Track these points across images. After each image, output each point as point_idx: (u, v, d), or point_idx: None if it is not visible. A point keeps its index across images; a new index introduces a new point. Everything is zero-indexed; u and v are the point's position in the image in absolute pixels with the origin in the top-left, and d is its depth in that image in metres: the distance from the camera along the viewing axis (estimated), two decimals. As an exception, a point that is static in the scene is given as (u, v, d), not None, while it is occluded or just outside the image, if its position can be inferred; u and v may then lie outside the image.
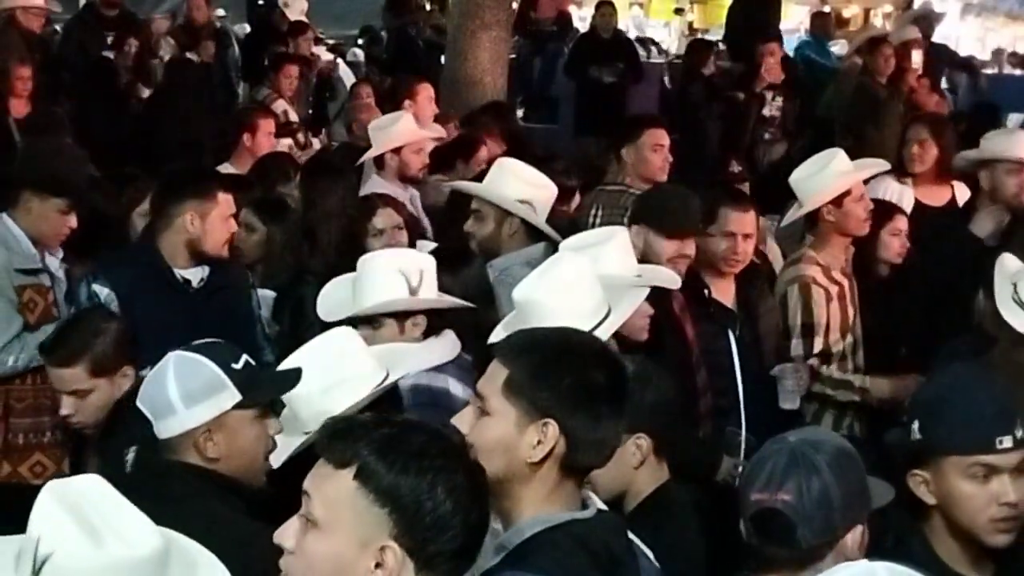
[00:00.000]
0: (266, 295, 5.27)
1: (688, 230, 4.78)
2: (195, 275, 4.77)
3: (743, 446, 4.72)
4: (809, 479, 2.66)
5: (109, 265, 4.88)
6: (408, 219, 5.49)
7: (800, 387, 5.11)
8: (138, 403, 3.25)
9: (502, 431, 2.47)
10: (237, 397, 3.19)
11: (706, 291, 4.99)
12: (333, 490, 2.17)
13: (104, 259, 5.04)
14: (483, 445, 2.44)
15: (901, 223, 5.80)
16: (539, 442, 2.44)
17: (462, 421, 2.50)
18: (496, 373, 2.51)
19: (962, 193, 6.72)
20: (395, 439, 2.19)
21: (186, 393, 3.16)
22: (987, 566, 2.86)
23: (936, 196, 6.68)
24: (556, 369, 2.48)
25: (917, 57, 9.89)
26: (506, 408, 2.47)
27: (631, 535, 2.63)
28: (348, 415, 2.28)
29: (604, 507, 2.59)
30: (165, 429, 3.19)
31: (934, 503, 2.85)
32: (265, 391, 3.33)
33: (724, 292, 5.10)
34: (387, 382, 3.57)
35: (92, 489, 2.11)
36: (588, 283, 3.76)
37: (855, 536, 2.69)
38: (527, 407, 2.46)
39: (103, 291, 4.64)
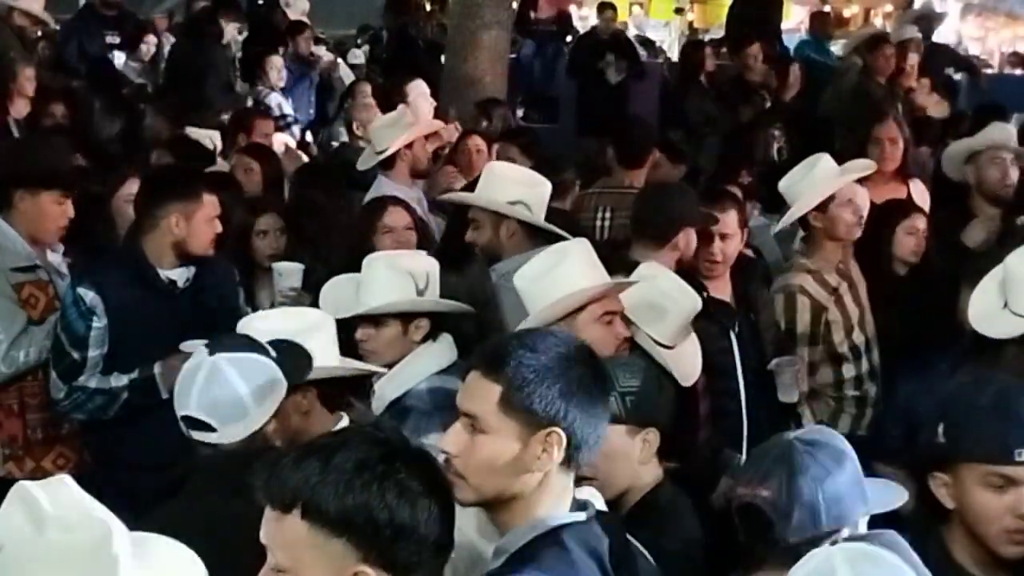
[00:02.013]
0: (291, 267, 5.27)
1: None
2: (181, 275, 4.73)
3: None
4: (791, 477, 2.66)
5: (94, 268, 4.87)
6: (418, 225, 5.45)
7: (798, 380, 5.10)
8: (193, 413, 3.11)
9: (504, 448, 2.41)
10: (285, 384, 3.17)
11: (705, 294, 4.97)
12: (286, 536, 2.13)
13: (89, 262, 5.03)
14: (484, 464, 2.41)
15: (918, 222, 5.78)
16: (544, 451, 2.40)
17: (452, 442, 2.45)
18: (484, 389, 2.43)
19: (918, 190, 6.69)
20: (328, 463, 2.13)
21: (257, 392, 3.11)
22: (1004, 573, 2.84)
23: (891, 194, 6.53)
24: (548, 376, 2.42)
25: (914, 58, 9.87)
26: (505, 424, 2.41)
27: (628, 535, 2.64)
28: (276, 455, 2.23)
29: (603, 508, 2.59)
30: (233, 433, 3.09)
31: (952, 507, 2.83)
32: (298, 372, 3.28)
33: (721, 288, 5.09)
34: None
35: (54, 485, 2.06)
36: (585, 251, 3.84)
37: (842, 537, 2.66)
38: (528, 420, 2.40)
39: (88, 294, 4.61)
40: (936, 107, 10.00)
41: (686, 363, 4.13)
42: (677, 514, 3.25)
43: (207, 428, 3.10)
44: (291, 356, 3.29)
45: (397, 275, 4.07)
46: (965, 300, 4.43)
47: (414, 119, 6.84)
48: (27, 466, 4.89)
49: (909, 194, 6.60)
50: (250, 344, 3.22)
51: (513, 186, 5.00)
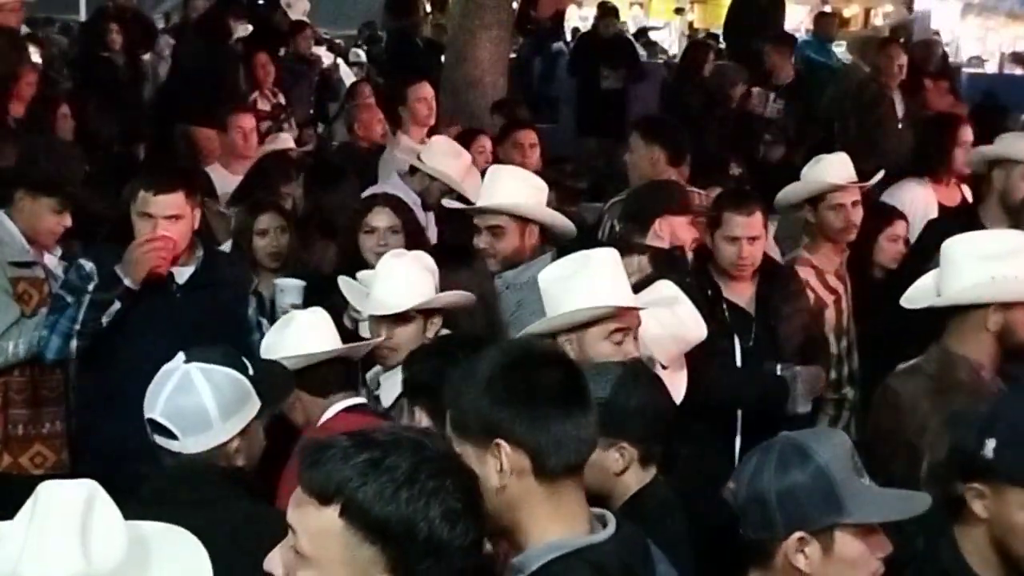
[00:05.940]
0: (293, 283, 5.20)
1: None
2: (181, 272, 4.71)
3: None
4: (754, 473, 2.61)
5: (93, 252, 4.85)
6: (413, 226, 5.28)
7: (811, 390, 4.92)
8: (157, 417, 3.08)
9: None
10: (258, 404, 3.16)
11: (709, 291, 4.91)
12: (319, 528, 2.07)
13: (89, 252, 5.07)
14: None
15: (900, 228, 5.80)
16: (501, 467, 2.30)
17: None
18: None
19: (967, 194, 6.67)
20: (379, 465, 2.05)
21: (224, 407, 3.07)
22: None
23: (951, 197, 6.57)
24: (474, 388, 2.33)
25: (903, 58, 9.79)
26: (462, 447, 2.31)
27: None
28: (326, 439, 2.13)
29: (621, 522, 2.46)
30: (195, 444, 3.06)
31: (985, 517, 2.78)
32: (276, 394, 3.31)
33: (739, 292, 5.02)
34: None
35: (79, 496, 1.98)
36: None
37: (790, 543, 2.57)
38: (475, 438, 2.31)
39: (87, 264, 4.64)
40: (952, 109, 9.94)
41: (674, 386, 4.06)
42: (664, 514, 3.19)
43: (170, 435, 3.07)
44: (270, 378, 3.28)
45: (421, 273, 4.12)
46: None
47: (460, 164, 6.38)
48: (4, 461, 4.90)
49: (964, 196, 6.54)
50: (228, 358, 3.18)
51: (528, 189, 4.94)
